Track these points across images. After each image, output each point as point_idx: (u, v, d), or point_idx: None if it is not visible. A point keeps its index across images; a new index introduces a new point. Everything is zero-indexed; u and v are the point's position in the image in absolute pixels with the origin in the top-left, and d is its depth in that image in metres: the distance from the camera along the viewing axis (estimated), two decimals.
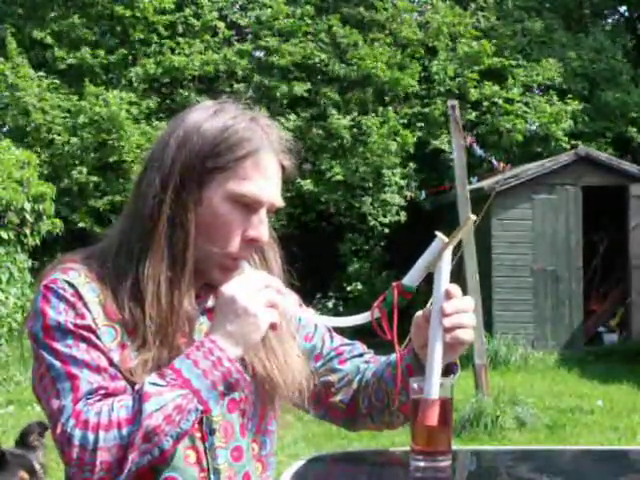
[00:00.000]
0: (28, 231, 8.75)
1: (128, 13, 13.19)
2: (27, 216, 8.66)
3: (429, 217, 12.48)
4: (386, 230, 12.45)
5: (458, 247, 6.22)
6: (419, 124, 13.07)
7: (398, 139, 12.54)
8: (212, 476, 1.36)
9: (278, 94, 12.90)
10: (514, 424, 6.48)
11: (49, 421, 1.28)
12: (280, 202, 1.40)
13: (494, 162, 10.36)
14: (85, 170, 11.98)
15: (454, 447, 1.41)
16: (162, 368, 1.28)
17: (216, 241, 1.35)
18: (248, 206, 1.35)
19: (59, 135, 12.09)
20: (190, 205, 1.34)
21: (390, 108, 12.84)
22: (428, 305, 1.39)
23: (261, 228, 1.37)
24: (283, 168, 1.41)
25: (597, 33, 15.03)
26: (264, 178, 1.36)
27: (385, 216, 12.40)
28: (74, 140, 12.08)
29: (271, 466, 1.49)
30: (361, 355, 1.59)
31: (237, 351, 1.27)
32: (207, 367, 1.25)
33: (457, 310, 1.35)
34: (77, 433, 1.21)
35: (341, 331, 1.58)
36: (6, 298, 8.30)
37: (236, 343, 1.27)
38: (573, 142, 13.03)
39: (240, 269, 1.37)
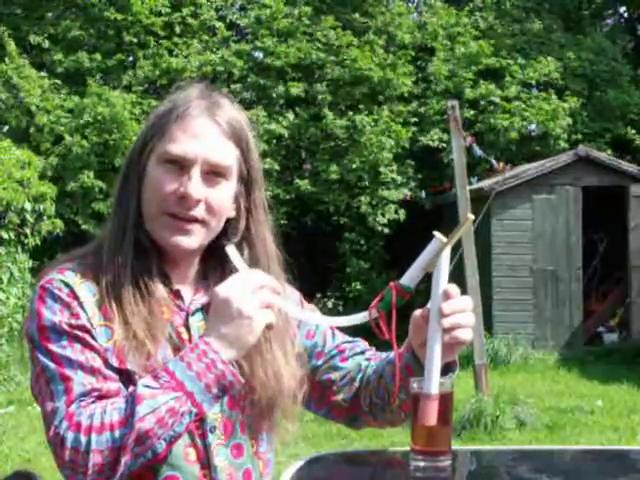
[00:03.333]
0: (28, 231, 8.76)
1: (120, 17, 13.14)
2: (27, 216, 8.67)
3: (429, 217, 12.48)
4: (385, 230, 12.44)
5: (458, 247, 6.22)
6: (413, 119, 13.07)
7: (392, 135, 12.55)
8: (213, 474, 1.36)
9: (274, 94, 12.91)
10: (514, 424, 6.48)
11: (44, 422, 1.28)
12: (215, 157, 1.39)
13: (494, 162, 10.34)
14: (92, 174, 11.96)
15: (454, 447, 1.41)
16: (139, 342, 1.30)
17: (152, 201, 1.38)
18: (178, 164, 1.37)
19: (70, 136, 12.05)
20: (135, 181, 1.39)
21: (385, 107, 12.86)
22: (428, 305, 1.40)
23: (190, 184, 1.37)
24: (223, 128, 1.40)
25: (596, 34, 15.03)
26: (190, 136, 1.38)
27: (384, 215, 12.39)
28: (81, 141, 12.05)
29: (270, 463, 1.49)
30: (362, 352, 1.59)
31: (231, 353, 1.27)
32: (201, 370, 1.25)
33: (456, 310, 1.35)
34: (70, 435, 1.22)
35: (341, 330, 1.58)
36: (7, 298, 8.31)
37: (230, 345, 1.27)
38: (573, 139, 13.03)
39: (195, 232, 1.38)
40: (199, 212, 1.38)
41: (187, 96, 1.42)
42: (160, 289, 1.37)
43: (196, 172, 1.37)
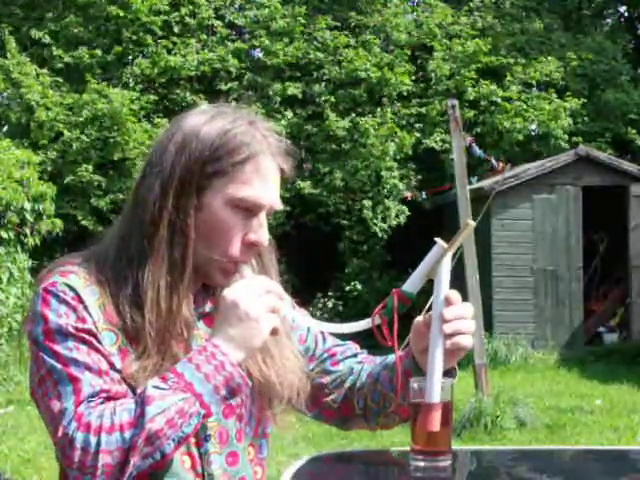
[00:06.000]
0: (28, 231, 8.76)
1: (122, 13, 13.16)
2: (27, 216, 8.66)
3: (429, 217, 12.48)
4: (386, 237, 12.44)
5: (458, 247, 6.20)
6: (417, 125, 13.08)
7: (396, 140, 12.54)
8: None
9: (271, 92, 12.92)
10: (514, 424, 6.48)
11: (49, 424, 1.27)
12: (279, 205, 1.41)
13: (494, 162, 10.34)
14: (91, 168, 11.97)
15: (454, 447, 1.41)
16: (163, 373, 1.28)
17: (217, 245, 1.35)
18: (248, 210, 1.36)
19: (68, 132, 12.07)
20: (190, 211, 1.34)
21: (389, 109, 12.84)
22: (425, 310, 1.40)
23: (261, 232, 1.37)
24: (282, 171, 1.41)
25: (596, 33, 15.04)
26: (263, 182, 1.36)
27: (385, 221, 12.38)
28: (79, 136, 12.07)
29: (266, 469, 1.49)
30: (355, 355, 1.59)
31: (239, 355, 1.27)
32: (209, 371, 1.25)
33: (457, 316, 1.35)
34: (79, 436, 1.21)
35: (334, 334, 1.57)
36: (6, 298, 8.30)
37: (238, 347, 1.27)
38: (573, 140, 13.04)
39: (240, 272, 1.37)
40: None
41: (248, 132, 1.36)
42: (167, 298, 1.34)
43: (264, 218, 1.38)
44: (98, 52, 13.05)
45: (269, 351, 1.42)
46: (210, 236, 1.35)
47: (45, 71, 12.71)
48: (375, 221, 12.35)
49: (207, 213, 1.35)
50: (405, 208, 12.46)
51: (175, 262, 1.33)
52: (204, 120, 1.37)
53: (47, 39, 13.19)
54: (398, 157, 12.53)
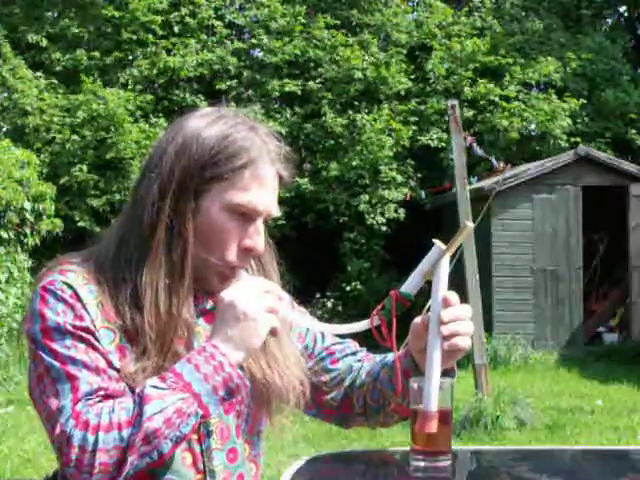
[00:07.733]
0: (28, 231, 8.76)
1: (118, 14, 13.15)
2: (27, 216, 8.67)
3: (429, 217, 12.47)
4: (384, 228, 12.44)
5: (458, 247, 6.21)
6: (413, 118, 13.08)
7: (393, 134, 12.56)
8: (208, 478, 1.36)
9: (269, 87, 12.94)
10: (514, 424, 6.47)
11: (47, 422, 1.27)
12: (277, 211, 1.41)
13: (494, 162, 10.33)
14: (85, 168, 11.97)
15: (454, 447, 1.41)
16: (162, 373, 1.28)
17: (213, 250, 1.35)
18: (245, 215, 1.36)
19: (59, 133, 12.09)
20: (188, 214, 1.34)
21: (386, 106, 12.87)
22: (424, 311, 1.40)
23: (257, 238, 1.37)
24: (281, 177, 1.41)
25: (596, 33, 15.04)
26: (261, 188, 1.36)
27: (383, 214, 12.39)
28: (74, 137, 12.07)
29: (261, 465, 1.49)
30: (354, 354, 1.59)
31: (238, 356, 1.28)
32: (208, 372, 1.25)
33: (455, 318, 1.35)
34: (77, 434, 1.21)
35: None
36: (6, 298, 8.30)
37: (237, 348, 1.27)
38: (572, 140, 13.04)
39: (238, 278, 1.37)
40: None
41: (248, 138, 1.37)
42: (166, 300, 1.34)
43: (261, 224, 1.38)
44: (96, 54, 13.04)
45: (272, 353, 1.42)
46: (207, 240, 1.35)
47: (40, 74, 12.69)
48: (372, 215, 12.35)
49: (204, 217, 1.35)
50: (401, 193, 12.47)
51: (174, 264, 1.33)
52: (204, 124, 1.37)
53: (44, 43, 13.17)
54: (395, 150, 12.54)
